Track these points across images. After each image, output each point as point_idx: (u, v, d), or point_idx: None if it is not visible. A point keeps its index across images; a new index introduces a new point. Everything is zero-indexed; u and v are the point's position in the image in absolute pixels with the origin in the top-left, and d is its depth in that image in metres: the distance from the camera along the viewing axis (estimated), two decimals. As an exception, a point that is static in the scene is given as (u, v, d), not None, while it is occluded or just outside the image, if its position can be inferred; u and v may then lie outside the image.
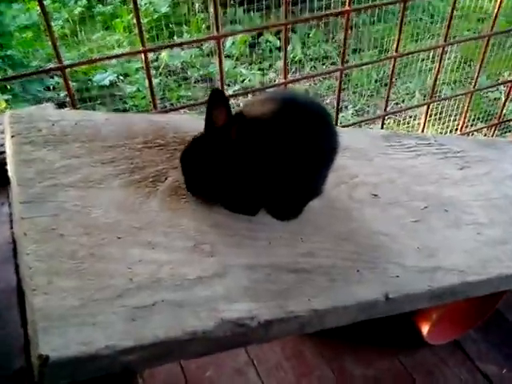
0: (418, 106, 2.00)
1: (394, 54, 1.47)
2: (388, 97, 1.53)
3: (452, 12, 1.44)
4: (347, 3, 1.25)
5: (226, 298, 0.75)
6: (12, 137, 0.90)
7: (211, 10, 3.79)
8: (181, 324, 0.69)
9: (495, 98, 3.43)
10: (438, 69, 1.55)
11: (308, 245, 0.92)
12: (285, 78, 1.33)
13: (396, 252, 0.98)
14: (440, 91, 3.32)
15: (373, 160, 1.30)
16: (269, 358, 1.27)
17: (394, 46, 1.45)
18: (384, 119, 1.64)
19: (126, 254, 0.77)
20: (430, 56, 3.42)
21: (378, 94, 3.48)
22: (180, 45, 1.24)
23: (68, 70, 1.14)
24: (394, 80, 3.39)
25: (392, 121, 3.09)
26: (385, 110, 1.59)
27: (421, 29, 3.85)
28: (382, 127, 1.66)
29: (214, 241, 0.85)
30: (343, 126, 1.63)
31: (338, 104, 1.45)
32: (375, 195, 1.14)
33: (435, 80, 1.59)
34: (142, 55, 1.16)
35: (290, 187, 0.92)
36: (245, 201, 0.93)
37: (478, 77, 1.66)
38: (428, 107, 1.66)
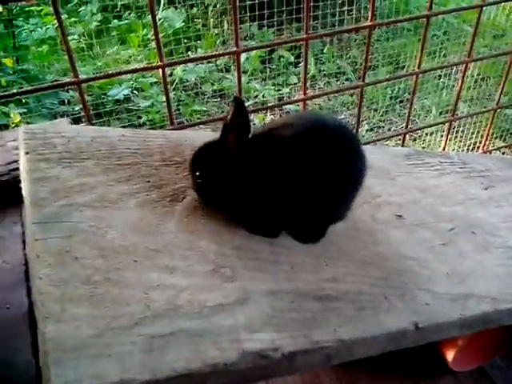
0: (440, 124, 1.95)
1: (416, 70, 1.43)
2: (410, 114, 1.49)
3: (476, 28, 1.40)
4: (369, 18, 1.21)
5: (248, 328, 0.71)
6: (26, 153, 0.87)
7: (226, 26, 3.79)
8: (200, 355, 0.65)
9: (513, 116, 3.37)
10: (461, 85, 1.51)
11: (332, 269, 0.88)
12: (304, 93, 1.30)
13: (425, 277, 0.94)
14: (450, 110, 3.27)
15: (395, 179, 1.25)
16: (286, 383, 1.21)
17: (416, 62, 1.41)
18: (405, 136, 1.60)
19: (143, 279, 0.73)
20: (447, 73, 3.39)
21: (393, 110, 3.44)
22: (198, 59, 1.21)
23: (84, 85, 1.12)
24: (411, 95, 3.35)
25: (407, 137, 3.04)
26: (406, 127, 1.55)
27: (436, 46, 3.82)
28: (403, 145, 1.62)
29: (235, 265, 0.81)
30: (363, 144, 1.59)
31: (358, 120, 1.41)
32: (400, 216, 1.10)
33: (457, 97, 1.54)
34: (160, 70, 1.13)
35: (312, 210, 0.88)
36: (265, 222, 0.89)
37: (501, 93, 1.62)
38: (450, 124, 1.61)
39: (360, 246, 0.96)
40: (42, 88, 1.11)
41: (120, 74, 1.10)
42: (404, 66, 3.68)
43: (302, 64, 1.25)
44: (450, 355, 1.27)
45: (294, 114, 1.01)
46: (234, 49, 1.12)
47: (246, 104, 1.36)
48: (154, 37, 1.06)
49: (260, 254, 0.85)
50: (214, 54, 1.16)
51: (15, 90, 1.08)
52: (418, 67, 1.41)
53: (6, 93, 1.06)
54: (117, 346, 0.62)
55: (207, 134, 1.20)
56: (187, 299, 0.72)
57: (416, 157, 1.38)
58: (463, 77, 1.50)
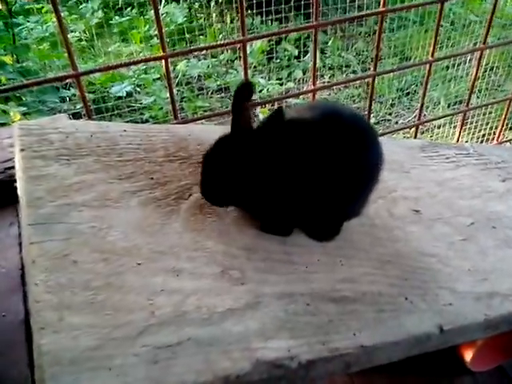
0: (454, 114, 1.89)
1: (430, 58, 1.37)
2: (422, 104, 1.43)
3: (492, 14, 1.34)
4: (381, 4, 1.16)
5: (261, 334, 0.65)
6: (21, 150, 0.82)
7: (228, 20, 3.73)
8: (211, 366, 0.59)
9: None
10: (476, 73, 1.44)
11: (348, 269, 0.82)
12: (313, 84, 1.24)
13: (446, 275, 0.88)
14: (463, 100, 3.21)
15: (410, 172, 1.20)
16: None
17: (430, 50, 1.35)
18: (418, 128, 1.54)
19: (147, 283, 0.67)
20: (455, 63, 3.32)
21: (400, 103, 3.38)
22: (203, 49, 1.17)
23: (84, 81, 1.06)
24: (418, 88, 3.28)
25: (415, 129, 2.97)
26: (419, 118, 1.49)
27: (442, 36, 3.74)
28: (415, 137, 1.56)
29: (245, 266, 0.75)
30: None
31: (369, 111, 1.35)
32: (417, 211, 1.04)
33: (472, 86, 1.48)
34: (163, 62, 1.08)
35: (327, 206, 0.83)
36: (278, 219, 0.83)
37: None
38: (464, 115, 1.55)
39: (377, 243, 0.91)
40: (39, 82, 1.06)
41: (121, 66, 1.05)
42: (410, 58, 3.61)
43: (311, 53, 1.19)
44: (468, 355, 1.22)
45: (307, 104, 0.95)
46: (241, 37, 1.07)
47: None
48: (156, 32, 1.01)
49: (271, 253, 0.79)
50: (219, 43, 1.11)
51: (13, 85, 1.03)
52: (432, 55, 1.35)
53: (3, 87, 1.01)
54: (119, 358, 0.57)
55: (213, 128, 1.15)
56: (195, 304, 0.67)
57: (431, 149, 1.32)
58: (478, 65, 1.43)
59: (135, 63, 1.07)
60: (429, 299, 0.81)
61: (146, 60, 1.17)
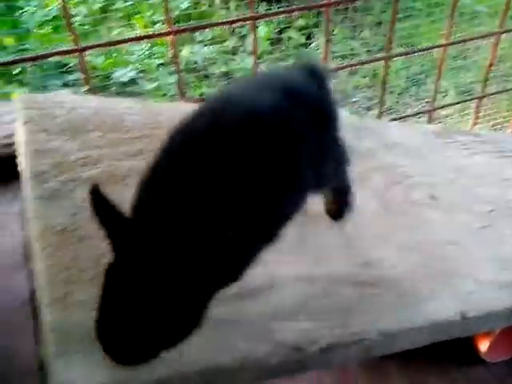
0: (469, 100, 1.84)
1: (444, 42, 1.33)
2: (436, 90, 1.39)
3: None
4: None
5: (279, 317, 0.62)
6: (25, 123, 0.78)
7: (232, 6, 3.67)
8: (228, 348, 0.56)
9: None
10: (492, 58, 1.40)
11: (366, 254, 0.78)
12: (326, 65, 1.20)
13: (467, 263, 0.85)
14: (471, 90, 3.17)
15: (427, 158, 1.16)
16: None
17: (445, 33, 1.31)
18: (431, 114, 1.50)
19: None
20: (463, 50, 3.27)
21: (407, 92, 3.33)
22: (212, 26, 1.13)
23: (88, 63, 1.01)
24: (426, 78, 3.22)
25: (425, 119, 2.93)
26: (432, 104, 1.45)
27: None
28: (429, 123, 1.51)
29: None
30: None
31: (382, 94, 1.31)
32: (435, 197, 1.00)
33: (488, 71, 1.44)
34: (170, 38, 1.03)
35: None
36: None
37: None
38: (479, 102, 1.51)
39: (394, 229, 0.87)
40: (41, 56, 1.02)
41: (125, 41, 1.01)
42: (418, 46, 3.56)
43: (324, 33, 1.15)
44: (484, 345, 1.18)
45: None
46: (251, 14, 1.02)
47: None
48: (159, 17, 0.97)
49: (287, 235, 0.75)
50: (228, 20, 1.07)
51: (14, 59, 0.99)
52: (447, 39, 1.31)
53: (5, 60, 0.97)
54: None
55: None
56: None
57: (446, 135, 1.28)
58: (494, 50, 1.39)
59: (139, 39, 1.04)
60: (450, 286, 0.78)
61: (152, 36, 1.12)
